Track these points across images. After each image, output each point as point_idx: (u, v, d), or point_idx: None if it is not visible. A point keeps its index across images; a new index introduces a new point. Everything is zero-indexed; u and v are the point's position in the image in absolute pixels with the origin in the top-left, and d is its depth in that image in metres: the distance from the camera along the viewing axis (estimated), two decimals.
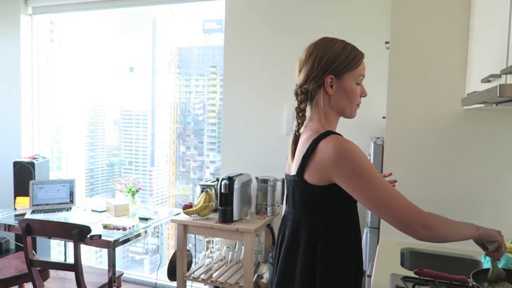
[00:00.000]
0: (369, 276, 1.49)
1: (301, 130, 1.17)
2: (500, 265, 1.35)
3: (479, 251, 1.53)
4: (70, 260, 2.04)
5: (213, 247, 2.67)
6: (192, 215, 2.44)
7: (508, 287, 1.15)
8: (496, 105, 1.13)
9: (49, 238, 2.79)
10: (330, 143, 1.03)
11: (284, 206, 1.31)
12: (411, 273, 1.32)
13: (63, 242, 3.26)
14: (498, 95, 0.88)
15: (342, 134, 1.09)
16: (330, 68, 1.09)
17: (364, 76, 1.15)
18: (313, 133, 1.09)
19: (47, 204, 2.81)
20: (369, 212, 2.01)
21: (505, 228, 1.66)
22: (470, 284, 1.21)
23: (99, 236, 2.20)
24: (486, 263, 1.41)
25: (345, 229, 1.11)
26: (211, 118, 3.58)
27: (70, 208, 2.82)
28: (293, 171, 1.13)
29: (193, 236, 2.81)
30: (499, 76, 1.04)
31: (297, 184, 1.10)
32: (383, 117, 1.85)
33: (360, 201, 1.04)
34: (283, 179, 2.61)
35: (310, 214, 1.10)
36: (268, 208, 2.56)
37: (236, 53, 2.82)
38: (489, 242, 1.10)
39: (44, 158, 3.29)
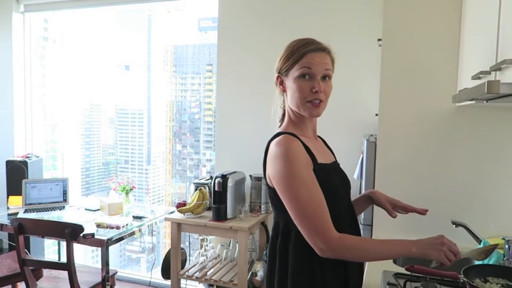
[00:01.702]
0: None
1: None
2: (491, 261, 1.36)
3: (470, 247, 1.54)
4: (64, 259, 2.03)
5: (207, 245, 2.67)
6: (185, 213, 2.43)
7: (502, 282, 1.15)
8: (487, 101, 1.12)
9: (42, 237, 2.78)
10: (274, 142, 1.06)
11: None
12: (403, 270, 1.32)
13: (57, 241, 3.25)
14: (486, 91, 0.88)
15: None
16: (278, 69, 1.13)
17: (310, 68, 1.05)
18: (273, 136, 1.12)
19: (40, 203, 2.80)
20: None
21: (495, 224, 1.67)
22: (461, 280, 1.21)
23: (92, 235, 2.19)
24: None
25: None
26: (208, 116, 3.58)
27: (64, 207, 2.81)
28: None
29: (188, 234, 2.81)
30: (488, 72, 1.04)
31: (266, 186, 1.17)
32: (376, 115, 1.85)
33: None
34: None
35: (276, 214, 1.14)
36: (262, 206, 2.55)
37: (229, 51, 2.81)
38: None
39: (37, 157, 3.28)
